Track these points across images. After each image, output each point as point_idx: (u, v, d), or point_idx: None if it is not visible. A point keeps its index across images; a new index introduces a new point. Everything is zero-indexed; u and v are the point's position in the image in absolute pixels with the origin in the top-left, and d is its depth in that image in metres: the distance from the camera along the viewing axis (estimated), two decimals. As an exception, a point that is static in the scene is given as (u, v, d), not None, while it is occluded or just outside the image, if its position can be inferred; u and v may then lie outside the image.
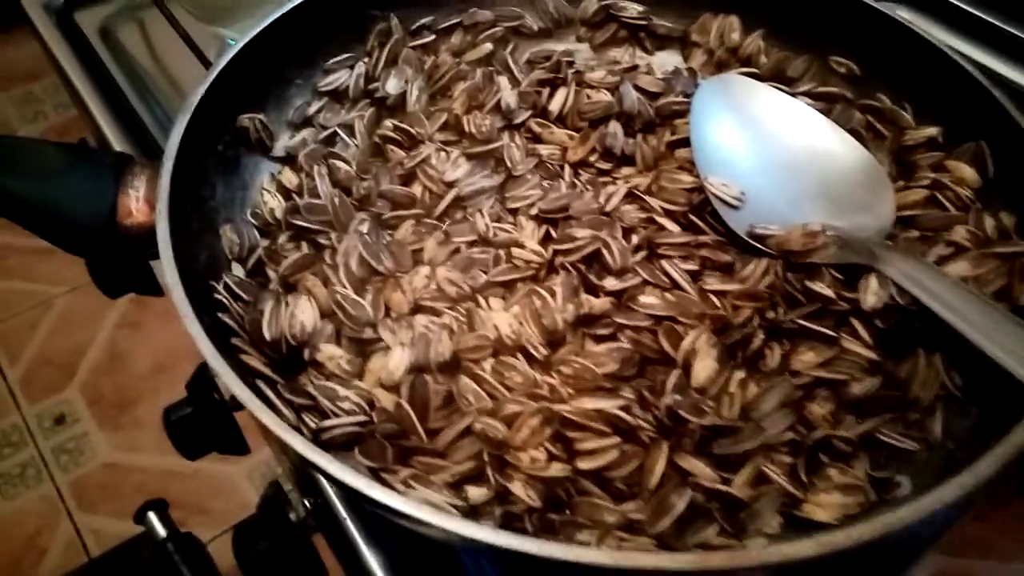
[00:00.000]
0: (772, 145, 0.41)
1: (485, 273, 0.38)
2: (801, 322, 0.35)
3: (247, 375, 0.34)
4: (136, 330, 1.30)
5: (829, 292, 0.36)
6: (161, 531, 0.46)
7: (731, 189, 0.40)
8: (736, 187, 0.40)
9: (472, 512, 0.32)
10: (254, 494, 1.10)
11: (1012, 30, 0.55)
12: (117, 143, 0.51)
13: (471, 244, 0.40)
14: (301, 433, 0.32)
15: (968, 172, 0.40)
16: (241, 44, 0.43)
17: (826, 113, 0.44)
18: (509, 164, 0.43)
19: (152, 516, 0.46)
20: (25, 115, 1.66)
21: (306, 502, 0.41)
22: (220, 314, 0.35)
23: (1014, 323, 0.31)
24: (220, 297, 0.36)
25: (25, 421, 1.22)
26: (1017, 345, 0.30)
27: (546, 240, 0.40)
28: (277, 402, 0.32)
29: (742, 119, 0.42)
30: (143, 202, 0.36)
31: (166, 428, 0.46)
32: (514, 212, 0.42)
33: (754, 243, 0.39)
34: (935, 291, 0.33)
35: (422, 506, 0.27)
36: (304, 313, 0.36)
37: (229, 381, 0.29)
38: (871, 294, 0.35)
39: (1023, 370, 0.30)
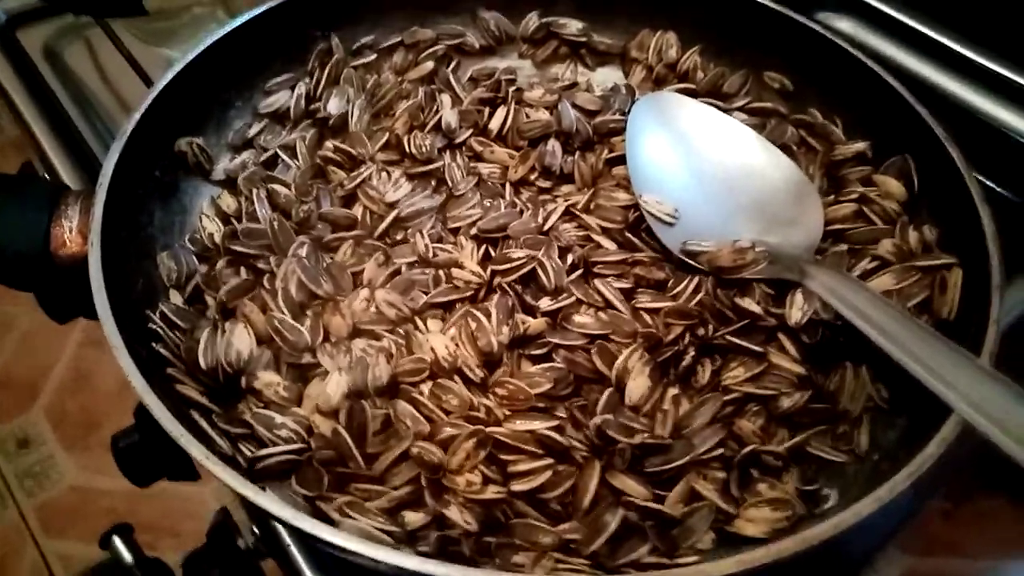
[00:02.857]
0: (705, 162, 0.42)
1: (425, 294, 0.39)
2: (730, 338, 0.36)
3: (183, 405, 0.34)
4: (101, 348, 1.27)
5: (757, 308, 0.37)
6: (127, 556, 0.46)
7: (665, 206, 0.41)
8: (670, 204, 0.41)
9: (409, 537, 0.32)
10: (224, 514, 1.08)
11: (948, 42, 0.57)
12: (61, 165, 0.51)
13: (411, 265, 0.40)
14: (236, 463, 0.33)
15: (895, 186, 0.42)
16: (178, 68, 0.43)
17: (760, 128, 0.45)
18: (450, 184, 0.44)
19: (117, 541, 0.46)
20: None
21: (254, 529, 0.41)
22: (155, 344, 0.35)
23: (930, 337, 0.32)
24: (155, 327, 0.36)
25: (-13, 446, 1.20)
26: (932, 358, 0.31)
27: (486, 260, 0.40)
28: (211, 432, 0.32)
29: (675, 136, 0.43)
30: (76, 232, 0.36)
31: (114, 455, 0.46)
32: (455, 232, 0.42)
33: (687, 260, 0.39)
34: (857, 305, 0.34)
35: (348, 536, 0.27)
36: (240, 340, 0.36)
37: (159, 414, 0.29)
38: (796, 309, 0.36)
39: (937, 383, 0.30)
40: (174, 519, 1.07)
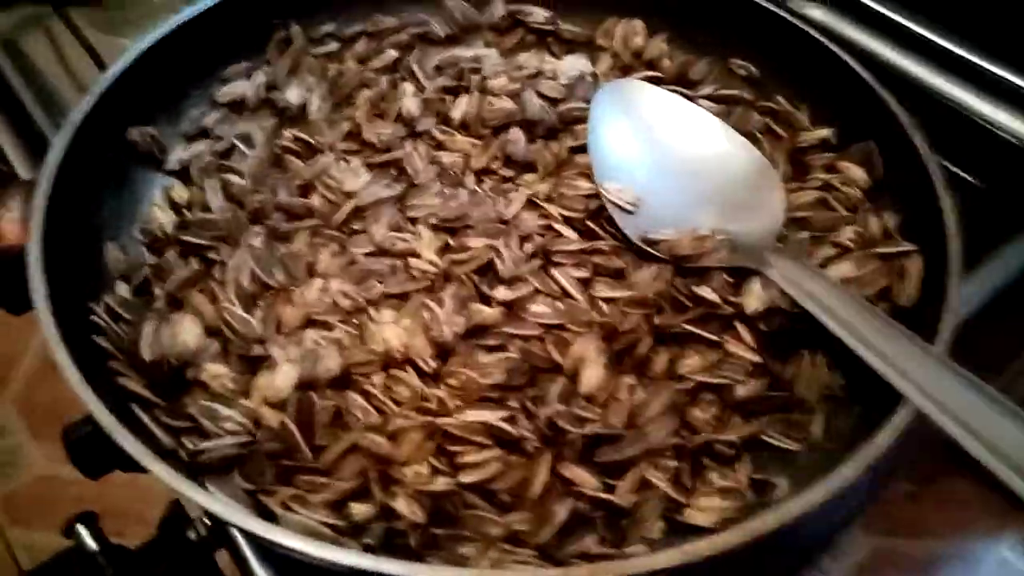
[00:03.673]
0: (666, 149, 0.42)
1: (381, 284, 0.38)
2: (686, 327, 0.36)
3: (125, 399, 0.33)
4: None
5: (714, 296, 0.36)
6: (91, 544, 0.45)
7: (626, 194, 0.40)
8: (631, 192, 0.40)
9: (354, 530, 0.31)
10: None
11: (919, 30, 0.57)
12: (14, 156, 0.50)
13: (368, 255, 0.40)
14: (177, 456, 0.32)
15: (858, 172, 0.41)
16: (133, 54, 0.42)
17: (726, 115, 0.44)
18: (411, 172, 0.43)
19: (81, 529, 0.46)
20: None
21: (205, 520, 0.40)
22: (95, 336, 0.34)
23: (886, 326, 0.32)
24: (97, 319, 0.35)
25: (-47, 436, 1.19)
26: (886, 347, 0.31)
27: (444, 250, 0.40)
28: (152, 426, 0.32)
29: (637, 124, 0.42)
30: (18, 223, 0.35)
31: (65, 447, 0.45)
32: (414, 221, 0.41)
33: (647, 248, 0.39)
34: (814, 293, 0.34)
35: (284, 532, 0.26)
36: (187, 332, 0.35)
37: (93, 407, 0.29)
38: (753, 298, 0.35)
39: (889, 371, 0.30)
40: (141, 506, 1.05)
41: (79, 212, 0.38)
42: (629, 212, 0.40)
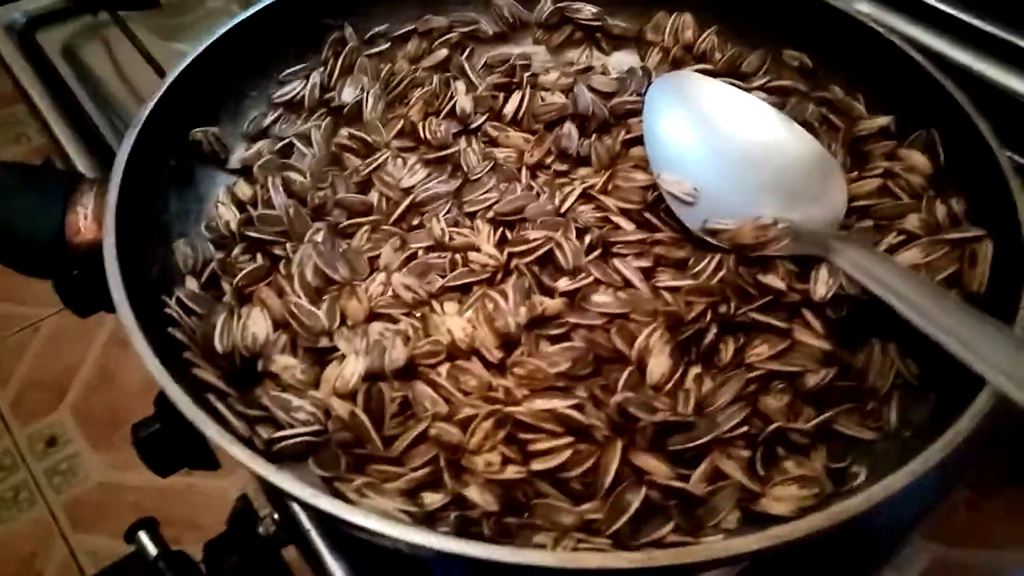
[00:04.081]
0: (724, 139, 0.41)
1: (442, 278, 0.38)
2: (753, 315, 0.35)
3: (200, 390, 0.34)
4: (126, 347, 1.28)
5: (780, 284, 0.36)
6: (152, 550, 0.46)
7: (684, 185, 0.40)
8: (689, 183, 0.40)
9: (428, 518, 0.32)
10: (246, 508, 1.09)
11: (969, 19, 0.56)
12: (80, 163, 0.51)
13: (427, 249, 0.40)
14: (253, 445, 0.32)
15: (920, 160, 0.41)
16: (191, 57, 0.43)
17: (781, 107, 0.44)
18: (466, 168, 0.43)
19: (143, 535, 0.46)
20: (6, 137, 1.66)
21: (275, 515, 0.41)
22: (171, 329, 0.35)
23: (961, 309, 0.31)
24: (171, 312, 0.35)
25: (16, 444, 1.21)
26: (963, 331, 0.30)
27: (502, 243, 0.40)
28: (228, 414, 0.32)
29: (694, 115, 0.42)
30: (91, 219, 0.36)
31: (135, 445, 0.46)
32: (471, 216, 0.42)
33: (708, 239, 0.39)
34: (884, 279, 0.33)
35: (367, 514, 0.26)
36: (256, 325, 0.36)
37: (175, 397, 0.29)
38: (821, 284, 0.35)
39: (968, 355, 0.30)
40: (198, 514, 1.08)
41: (147, 210, 0.39)
42: (688, 203, 0.40)
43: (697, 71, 0.46)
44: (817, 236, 0.37)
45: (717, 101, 0.43)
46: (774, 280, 0.36)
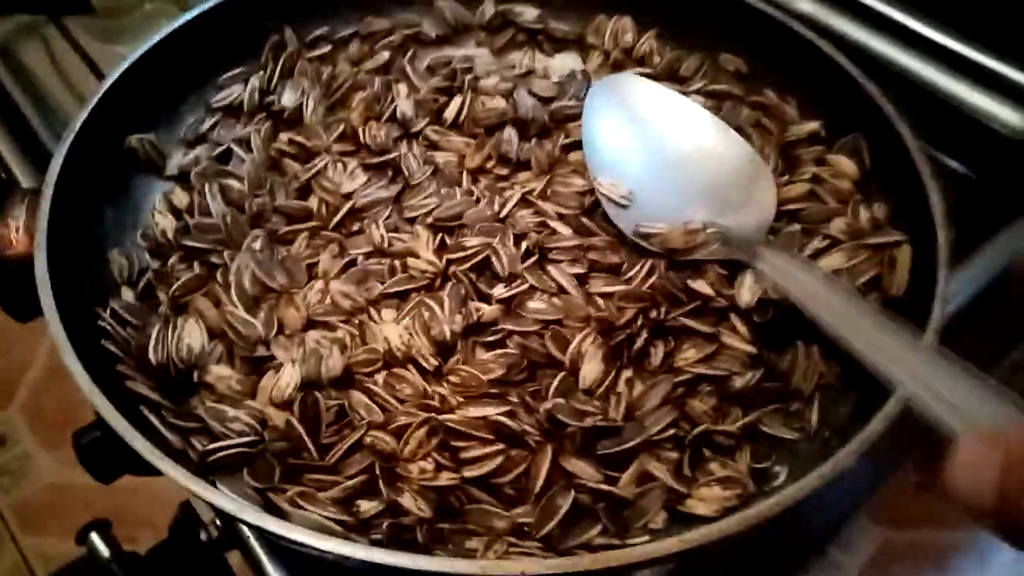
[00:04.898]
0: (659, 142, 0.42)
1: (381, 284, 0.39)
2: (682, 320, 0.36)
3: (134, 402, 0.34)
4: (76, 345, 1.28)
5: (708, 290, 0.37)
6: (105, 551, 0.46)
7: (620, 188, 0.41)
8: (625, 187, 0.41)
9: (363, 526, 0.32)
10: (202, 505, 1.08)
11: (905, 20, 0.57)
12: (14, 163, 0.50)
13: (367, 256, 0.40)
14: (187, 458, 0.33)
15: (847, 165, 0.42)
16: (128, 62, 0.43)
17: (716, 110, 0.45)
18: (406, 173, 0.44)
19: (95, 536, 0.46)
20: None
21: (216, 521, 0.41)
22: (104, 341, 0.35)
23: (873, 317, 0.32)
24: (104, 324, 0.35)
25: (-38, 446, 1.19)
26: (875, 338, 0.31)
27: (441, 249, 0.40)
28: (161, 428, 0.32)
29: (631, 117, 0.43)
30: (23, 232, 0.36)
31: (76, 452, 0.46)
32: (411, 221, 0.42)
33: (641, 242, 0.39)
34: (805, 286, 0.34)
35: (294, 527, 0.27)
36: (191, 336, 0.36)
37: (105, 411, 0.29)
38: (746, 290, 0.36)
39: (878, 360, 0.31)
40: (152, 512, 1.06)
41: (82, 219, 0.39)
42: (623, 206, 0.41)
43: (636, 74, 0.47)
44: (745, 242, 0.38)
45: (654, 104, 0.43)
46: (703, 286, 0.37)
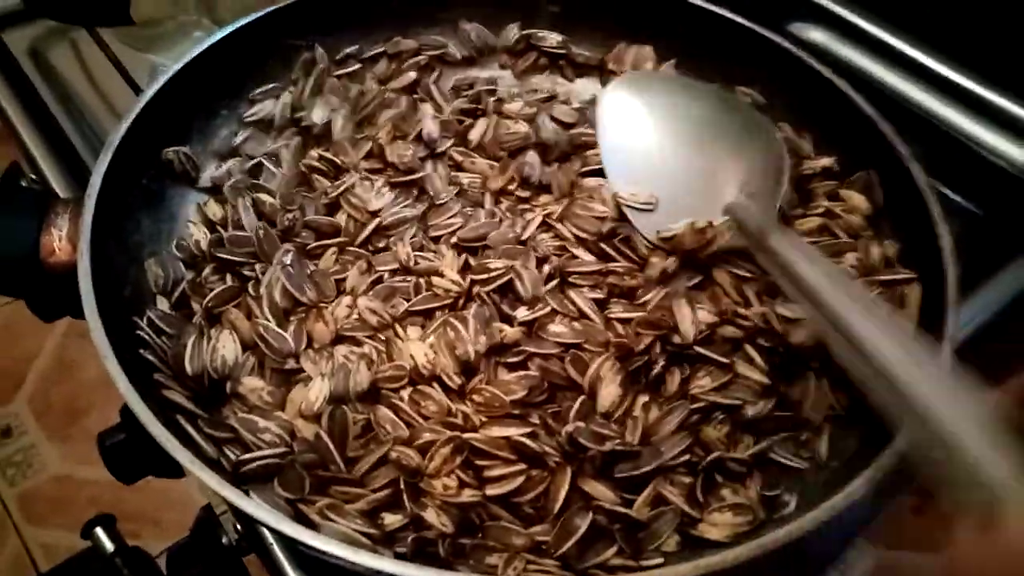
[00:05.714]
0: (674, 127, 0.44)
1: (406, 301, 0.40)
2: (698, 349, 0.38)
3: (169, 410, 0.35)
4: (84, 339, 1.27)
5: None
6: (109, 546, 0.47)
7: (640, 195, 0.42)
8: (645, 192, 0.42)
9: (387, 539, 0.33)
10: (206, 505, 1.09)
11: (917, 54, 0.59)
12: (49, 171, 0.51)
13: (393, 273, 0.41)
14: (221, 466, 0.34)
15: (859, 200, 0.43)
16: (166, 78, 0.44)
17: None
18: (431, 193, 0.45)
19: (99, 531, 0.47)
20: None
21: (237, 526, 0.42)
22: (142, 350, 0.36)
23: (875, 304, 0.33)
24: (142, 333, 0.37)
25: (-31, 435, 1.20)
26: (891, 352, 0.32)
27: (465, 269, 0.42)
28: (197, 437, 0.34)
29: (644, 115, 0.44)
30: (66, 241, 0.37)
31: (101, 453, 0.47)
32: (436, 240, 0.43)
33: (662, 247, 0.41)
34: (811, 274, 0.35)
35: (327, 539, 0.28)
36: (226, 347, 0.37)
37: (147, 421, 0.31)
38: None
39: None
40: (156, 509, 1.08)
41: (120, 230, 0.40)
42: (648, 211, 0.42)
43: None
44: (757, 225, 0.39)
45: (663, 88, 0.45)
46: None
